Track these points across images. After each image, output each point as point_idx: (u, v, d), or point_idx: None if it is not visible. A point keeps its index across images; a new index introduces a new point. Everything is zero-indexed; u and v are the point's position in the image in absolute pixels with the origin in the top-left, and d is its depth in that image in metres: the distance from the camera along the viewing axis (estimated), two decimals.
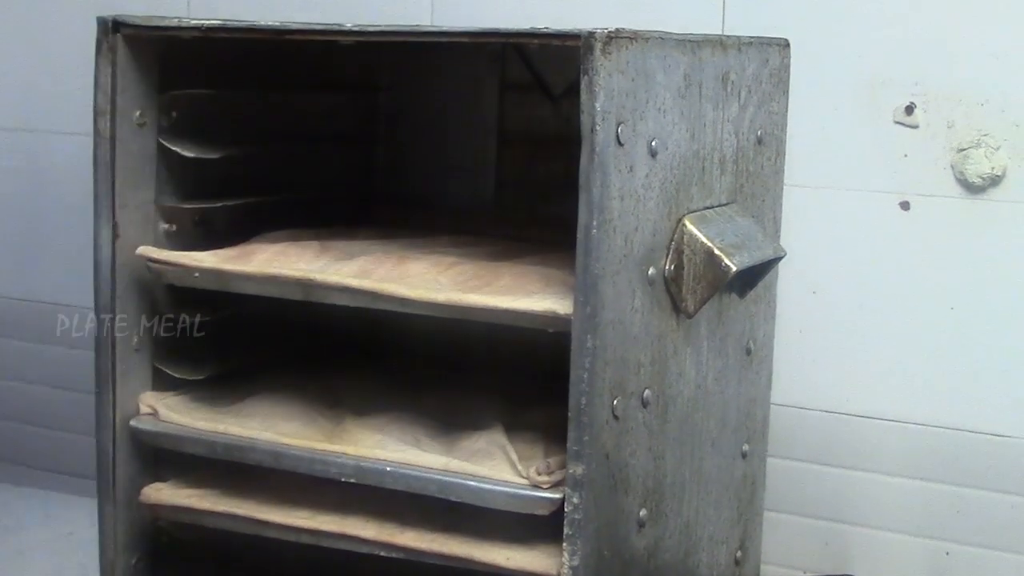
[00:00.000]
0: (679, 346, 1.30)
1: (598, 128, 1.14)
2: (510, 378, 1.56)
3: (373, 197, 1.72)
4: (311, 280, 1.29)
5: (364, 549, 1.31)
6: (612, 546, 1.22)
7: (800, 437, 1.78)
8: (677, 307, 1.28)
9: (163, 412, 1.39)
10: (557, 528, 1.20)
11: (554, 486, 1.22)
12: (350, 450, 1.32)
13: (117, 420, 1.39)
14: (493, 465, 1.27)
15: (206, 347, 1.47)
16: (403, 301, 1.26)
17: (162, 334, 1.43)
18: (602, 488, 1.20)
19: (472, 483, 1.25)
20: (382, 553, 1.30)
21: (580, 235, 1.15)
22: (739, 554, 1.49)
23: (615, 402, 1.20)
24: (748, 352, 1.46)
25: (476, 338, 1.49)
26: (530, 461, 1.27)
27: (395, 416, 1.39)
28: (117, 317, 1.38)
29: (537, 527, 1.24)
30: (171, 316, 1.43)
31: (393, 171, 1.73)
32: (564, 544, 1.19)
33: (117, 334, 1.38)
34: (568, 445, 1.18)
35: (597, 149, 1.14)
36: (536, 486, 1.23)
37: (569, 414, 1.17)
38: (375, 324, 1.31)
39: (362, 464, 1.30)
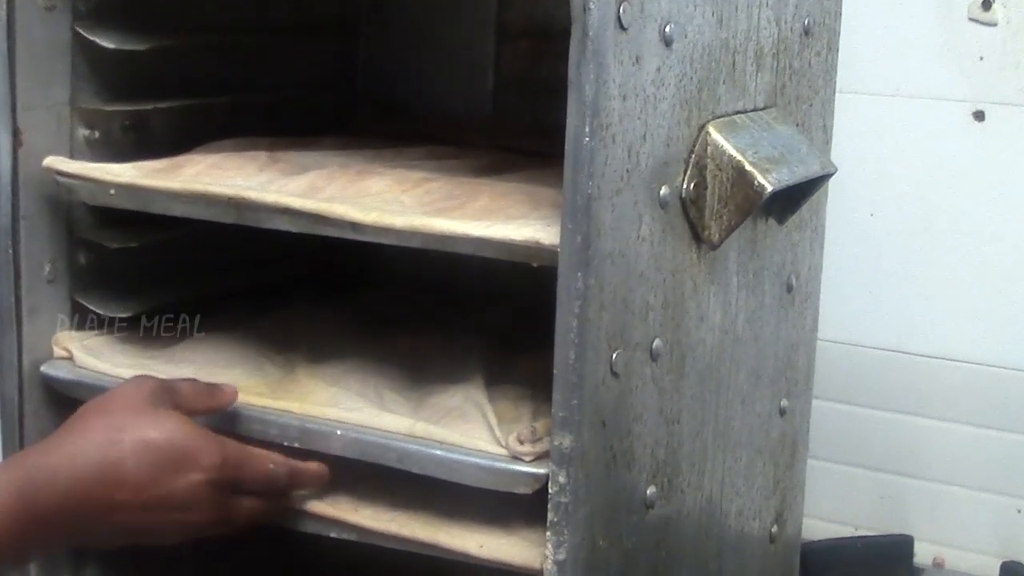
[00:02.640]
0: (700, 284, 1.05)
1: (592, 6, 0.88)
2: (509, 314, 1.32)
3: (352, 101, 1.47)
4: (244, 199, 1.05)
5: (311, 528, 1.07)
6: (610, 534, 0.98)
7: (853, 378, 1.68)
8: (698, 236, 1.03)
9: (80, 356, 1.16)
10: (545, 507, 0.96)
11: (539, 458, 0.98)
12: (296, 407, 1.08)
13: (25, 365, 1.16)
14: (467, 429, 1.03)
15: (137, 278, 1.23)
16: (354, 226, 1.01)
17: (82, 262, 1.20)
18: (597, 463, 0.96)
19: (438, 452, 1.02)
20: (332, 533, 1.06)
21: (569, 145, 0.90)
22: (775, 529, 1.25)
23: (615, 356, 0.95)
24: (789, 289, 1.20)
25: (470, 266, 1.23)
26: (514, 425, 1.03)
27: (357, 364, 1.15)
28: (23, 241, 1.14)
29: (521, 505, 1.00)
30: (93, 241, 1.19)
31: (376, 70, 1.48)
32: (548, 534, 0.95)
33: (23, 262, 1.15)
34: (553, 411, 0.93)
35: (591, 34, 0.89)
36: (516, 457, 0.99)
37: (555, 372, 0.93)
38: (348, 248, 1.06)
39: (308, 425, 1.06)
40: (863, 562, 1.68)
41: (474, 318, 1.33)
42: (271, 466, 1.04)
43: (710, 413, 1.10)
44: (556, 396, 0.93)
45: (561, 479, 0.94)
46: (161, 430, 0.99)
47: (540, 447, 0.99)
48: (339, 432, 1.05)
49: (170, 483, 0.99)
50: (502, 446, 1.00)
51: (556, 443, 0.94)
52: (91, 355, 1.16)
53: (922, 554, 1.68)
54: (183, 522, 1.01)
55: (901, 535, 1.70)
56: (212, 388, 1.08)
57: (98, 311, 1.20)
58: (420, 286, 1.44)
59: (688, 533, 1.09)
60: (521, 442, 0.99)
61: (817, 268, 1.27)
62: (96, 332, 1.20)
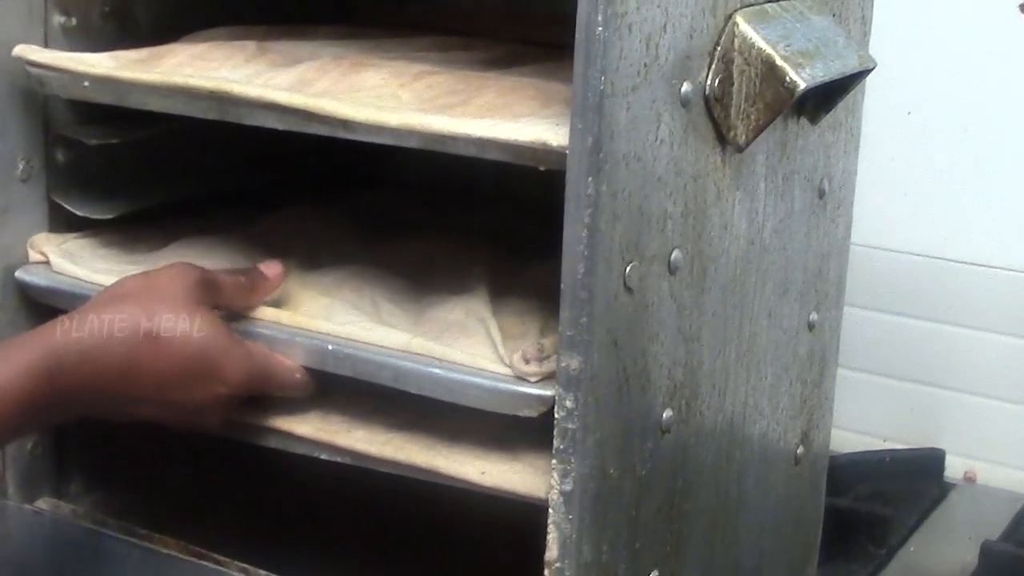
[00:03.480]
0: (725, 189, 0.96)
1: None
2: (526, 220, 1.22)
3: None
4: (226, 93, 0.96)
5: (300, 450, 1.00)
6: (622, 462, 0.90)
7: (885, 283, 1.63)
8: (722, 137, 0.94)
9: (56, 261, 1.08)
10: (552, 432, 0.88)
11: (547, 378, 0.90)
12: (284, 319, 1.00)
13: None
14: (468, 345, 0.95)
15: (121, 178, 1.15)
16: (345, 124, 0.92)
17: (60, 160, 1.11)
18: (608, 386, 0.87)
19: (437, 371, 0.94)
20: (323, 456, 0.99)
21: (579, 35, 0.81)
22: (800, 450, 1.17)
23: (628, 269, 0.87)
24: (821, 194, 1.11)
25: (484, 166, 1.14)
26: (520, 341, 0.95)
27: (355, 272, 1.07)
28: None
29: (527, 429, 0.92)
30: (71, 137, 1.11)
31: None
32: (553, 462, 0.87)
33: None
34: (560, 330, 0.85)
35: None
36: (521, 378, 0.91)
37: (562, 288, 0.85)
38: (356, 147, 0.96)
39: (297, 339, 0.99)
40: (892, 476, 1.63)
41: (488, 223, 1.24)
42: (297, 376, 0.99)
43: (733, 330, 1.01)
44: (564, 314, 0.85)
45: (568, 404, 0.86)
46: (196, 338, 0.95)
47: (547, 366, 0.91)
48: (330, 347, 0.97)
49: (193, 391, 0.96)
50: (506, 365, 0.92)
51: (563, 365, 0.85)
52: (68, 259, 1.08)
53: (953, 468, 1.64)
54: (194, 422, 0.99)
55: (932, 448, 1.66)
56: (255, 281, 1.02)
57: (78, 212, 1.12)
58: (434, 188, 1.35)
59: (707, 458, 1.01)
60: (527, 361, 0.91)
61: (851, 172, 1.17)
62: (77, 235, 1.12)
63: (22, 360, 0.92)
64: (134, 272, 1.06)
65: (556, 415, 0.86)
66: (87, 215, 1.12)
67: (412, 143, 0.91)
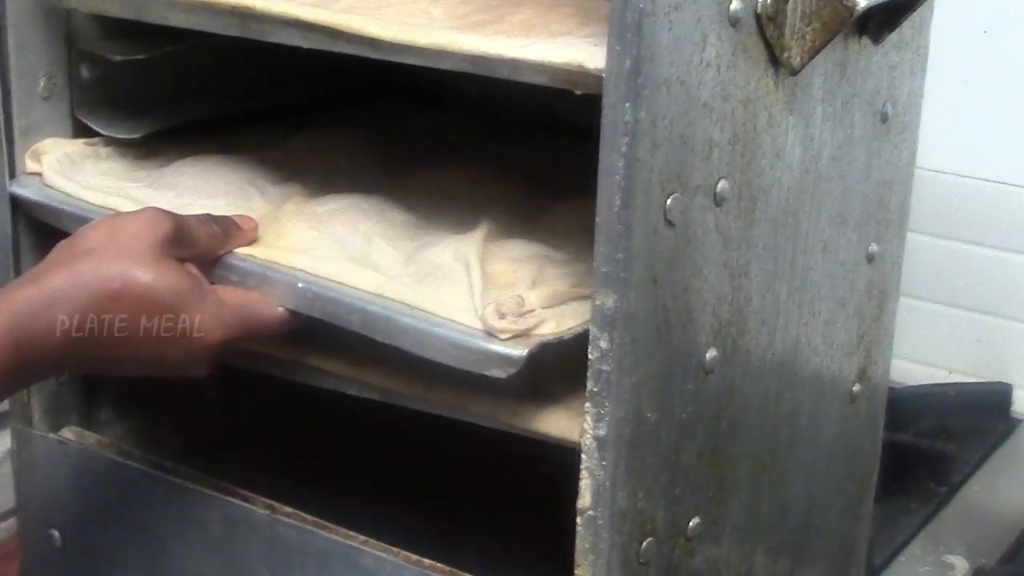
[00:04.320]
0: (777, 115, 0.89)
1: None
2: (567, 149, 1.16)
3: None
4: (249, 9, 0.90)
5: (328, 385, 0.95)
6: (661, 405, 0.85)
7: (954, 210, 1.59)
8: (775, 59, 0.87)
9: (48, 174, 1.03)
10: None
11: (521, 335, 0.84)
12: (258, 252, 0.95)
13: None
14: (447, 292, 0.89)
15: (148, 94, 1.10)
16: (372, 42, 0.86)
17: (84, 77, 1.07)
18: (646, 326, 0.82)
19: (405, 319, 0.87)
20: (352, 392, 0.95)
21: None
22: (856, 387, 1.11)
23: (669, 202, 0.81)
24: (884, 119, 1.05)
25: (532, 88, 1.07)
26: (504, 290, 0.88)
27: (357, 203, 1.01)
28: (12, 53, 1.02)
29: (567, 370, 0.87)
30: (95, 53, 1.06)
31: None
32: (587, 405, 0.82)
33: (13, 76, 1.02)
34: (594, 265, 0.80)
35: None
36: (490, 334, 0.84)
37: (596, 221, 0.79)
38: (395, 67, 0.90)
39: (269, 274, 0.93)
40: (956, 410, 1.58)
41: (537, 155, 1.18)
42: (279, 320, 0.93)
43: (784, 263, 0.95)
44: (598, 249, 0.79)
45: (603, 344, 0.81)
46: (164, 295, 0.88)
47: (524, 323, 0.84)
48: (300, 285, 0.91)
49: (168, 347, 0.90)
50: (478, 318, 0.86)
51: (598, 303, 0.80)
52: (60, 173, 1.03)
53: (1021, 403, 1.59)
54: (181, 374, 0.93)
55: (999, 382, 1.61)
56: (228, 231, 0.96)
57: (103, 131, 1.07)
58: (490, 110, 1.28)
59: (754, 399, 0.95)
60: (501, 315, 0.84)
61: (917, 94, 1.10)
62: (84, 141, 1.07)
63: None
64: (129, 190, 1.02)
65: (590, 356, 0.81)
66: (112, 134, 1.07)
67: (442, 64, 0.85)
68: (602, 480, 0.83)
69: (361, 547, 0.94)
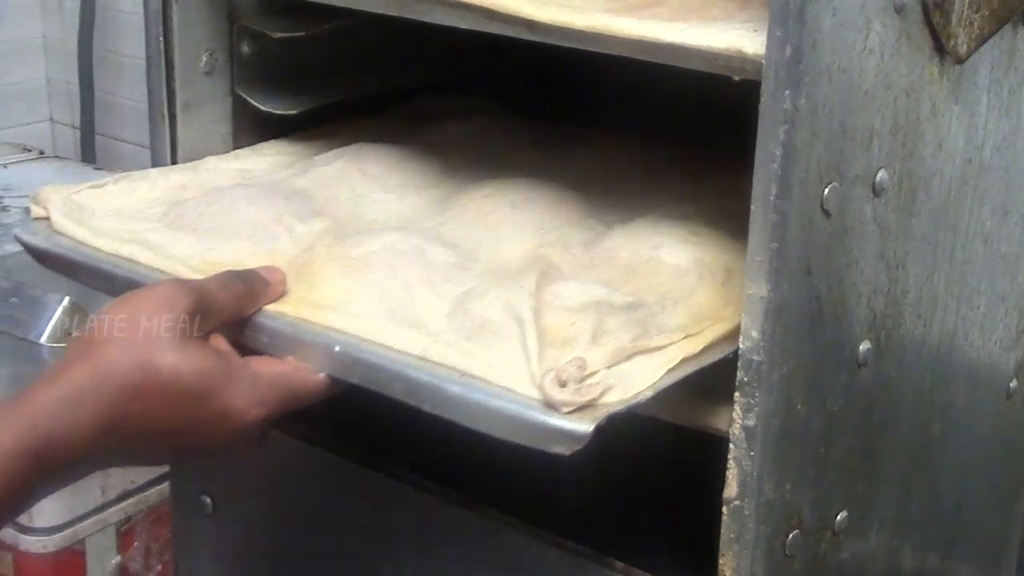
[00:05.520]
0: (940, 104, 0.87)
1: None
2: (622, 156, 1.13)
3: None
4: None
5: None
6: (811, 397, 0.84)
7: None
8: (941, 47, 0.85)
9: (57, 218, 0.96)
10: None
11: (585, 408, 0.75)
12: (289, 309, 0.88)
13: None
14: (498, 353, 0.80)
15: (306, 71, 1.12)
16: (529, 24, 0.86)
17: (245, 52, 1.09)
18: (799, 317, 0.81)
19: (454, 389, 0.79)
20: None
21: None
22: (1013, 383, 1.08)
23: (827, 191, 0.79)
24: None
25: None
26: (563, 350, 0.79)
27: (392, 242, 0.93)
28: (176, 29, 1.03)
29: None
30: (256, 29, 1.08)
31: None
32: (736, 395, 0.81)
33: (176, 52, 1.04)
34: (748, 256, 0.79)
35: None
36: (550, 407, 0.76)
37: (751, 209, 0.78)
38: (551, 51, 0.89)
39: (302, 336, 0.86)
40: None
41: (573, 161, 1.11)
42: (320, 386, 0.86)
43: (944, 256, 0.93)
44: (753, 238, 0.78)
45: (754, 334, 0.79)
46: (192, 382, 0.82)
47: (588, 392, 0.75)
48: (337, 349, 0.84)
49: (205, 434, 0.84)
50: (535, 385, 0.77)
51: (750, 292, 0.79)
52: (69, 217, 0.96)
53: None
54: (227, 454, 0.89)
55: None
56: (254, 288, 0.88)
57: (262, 107, 1.09)
58: (646, 95, 1.24)
59: (907, 393, 0.93)
60: (562, 384, 0.75)
61: None
62: (88, 185, 1.01)
63: (2, 442, 0.78)
64: (143, 234, 0.96)
65: (740, 345, 0.80)
66: (270, 110, 1.09)
67: (598, 47, 0.85)
68: (749, 471, 0.82)
69: (507, 527, 0.94)
